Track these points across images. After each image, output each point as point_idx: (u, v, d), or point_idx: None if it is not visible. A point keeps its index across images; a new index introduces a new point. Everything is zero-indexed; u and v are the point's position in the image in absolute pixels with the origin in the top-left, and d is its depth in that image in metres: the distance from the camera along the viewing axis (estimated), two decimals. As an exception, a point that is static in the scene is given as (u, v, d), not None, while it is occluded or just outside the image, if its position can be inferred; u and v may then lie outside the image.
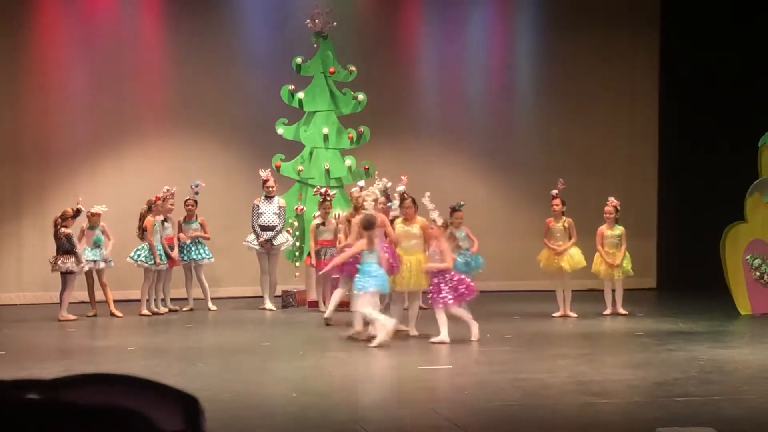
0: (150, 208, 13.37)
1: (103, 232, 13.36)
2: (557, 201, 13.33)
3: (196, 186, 13.98)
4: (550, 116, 17.16)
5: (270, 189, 14.02)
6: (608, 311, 13.33)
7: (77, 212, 13.10)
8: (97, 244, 13.26)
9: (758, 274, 13.61)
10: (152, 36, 15.97)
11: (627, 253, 13.45)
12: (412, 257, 11.18)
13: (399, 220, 11.50)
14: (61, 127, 15.28)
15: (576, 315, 13.11)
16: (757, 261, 13.60)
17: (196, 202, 14.00)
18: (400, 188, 12.54)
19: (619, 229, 13.37)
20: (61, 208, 13.25)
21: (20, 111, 15.12)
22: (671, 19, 17.33)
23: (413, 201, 11.39)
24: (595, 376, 8.77)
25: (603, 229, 13.39)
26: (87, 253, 13.19)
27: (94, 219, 13.33)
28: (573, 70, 17.12)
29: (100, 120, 15.38)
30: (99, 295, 13.34)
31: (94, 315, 13.15)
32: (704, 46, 16.85)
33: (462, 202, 12.53)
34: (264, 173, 14.03)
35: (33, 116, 15.15)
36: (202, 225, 14.00)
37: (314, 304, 13.77)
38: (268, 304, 13.82)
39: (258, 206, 14.00)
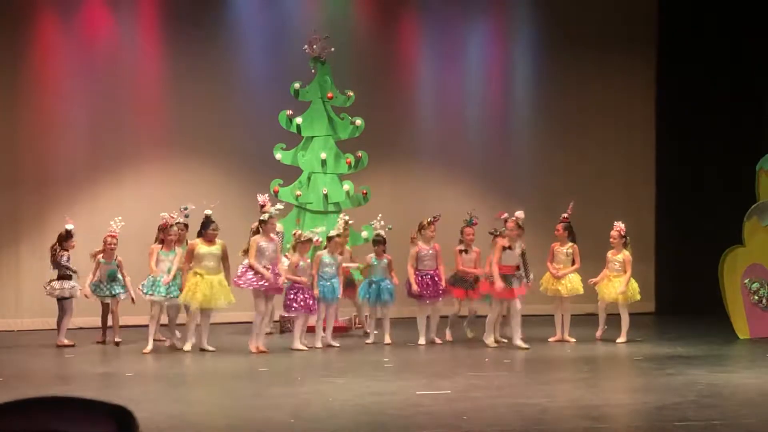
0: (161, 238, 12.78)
1: (119, 266, 12.94)
2: (560, 226, 13.30)
3: (186, 209, 13.17)
4: (548, 141, 17.21)
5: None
6: (599, 332, 13.28)
7: (67, 233, 12.83)
8: (111, 277, 12.91)
9: (756, 297, 13.60)
10: (151, 61, 16.02)
11: (632, 281, 13.15)
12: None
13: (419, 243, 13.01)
14: (59, 153, 15.30)
15: (574, 340, 13.09)
16: (755, 285, 13.59)
17: (186, 226, 13.09)
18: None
19: (621, 255, 13.17)
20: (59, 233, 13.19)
21: (19, 136, 15.15)
22: (668, 44, 17.41)
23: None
24: (595, 400, 8.74)
25: (609, 253, 13.27)
26: (102, 288, 12.92)
27: (110, 243, 12.83)
28: (570, 95, 17.19)
29: (98, 146, 15.41)
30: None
31: (102, 342, 13.02)
32: (700, 71, 16.92)
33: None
34: (261, 198, 13.93)
35: (31, 141, 15.18)
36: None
37: (313, 329, 13.73)
38: (266, 329, 13.75)
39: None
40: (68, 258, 12.86)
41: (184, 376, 10.58)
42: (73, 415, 1.52)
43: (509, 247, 12.37)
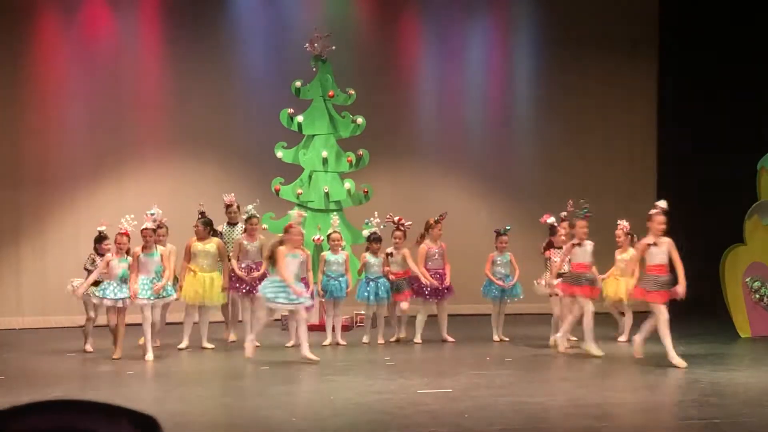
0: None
1: (130, 267, 11.49)
2: (564, 225, 13.28)
3: (152, 214, 12.02)
4: (549, 140, 17.21)
5: (233, 215, 13.33)
6: (622, 337, 13.23)
7: (100, 235, 12.22)
8: (123, 279, 11.52)
9: (758, 296, 13.60)
10: (152, 60, 16.03)
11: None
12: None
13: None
14: (60, 151, 15.31)
15: (576, 338, 13.07)
16: (756, 283, 13.59)
17: (154, 231, 11.85)
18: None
19: (628, 254, 13.11)
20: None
21: (20, 135, 15.15)
22: (669, 43, 17.40)
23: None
24: (596, 399, 8.73)
25: (616, 252, 13.26)
26: (112, 290, 11.49)
27: (120, 242, 11.53)
28: (571, 94, 17.19)
29: (99, 144, 15.41)
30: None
31: (119, 358, 11.55)
32: (702, 70, 16.91)
33: (508, 227, 12.91)
34: (227, 198, 13.25)
35: (32, 140, 15.18)
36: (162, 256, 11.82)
37: (314, 328, 13.73)
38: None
39: (222, 234, 13.10)
40: (93, 261, 12.29)
41: (185, 375, 10.57)
42: (97, 419, 1.51)
43: (654, 244, 11.63)
